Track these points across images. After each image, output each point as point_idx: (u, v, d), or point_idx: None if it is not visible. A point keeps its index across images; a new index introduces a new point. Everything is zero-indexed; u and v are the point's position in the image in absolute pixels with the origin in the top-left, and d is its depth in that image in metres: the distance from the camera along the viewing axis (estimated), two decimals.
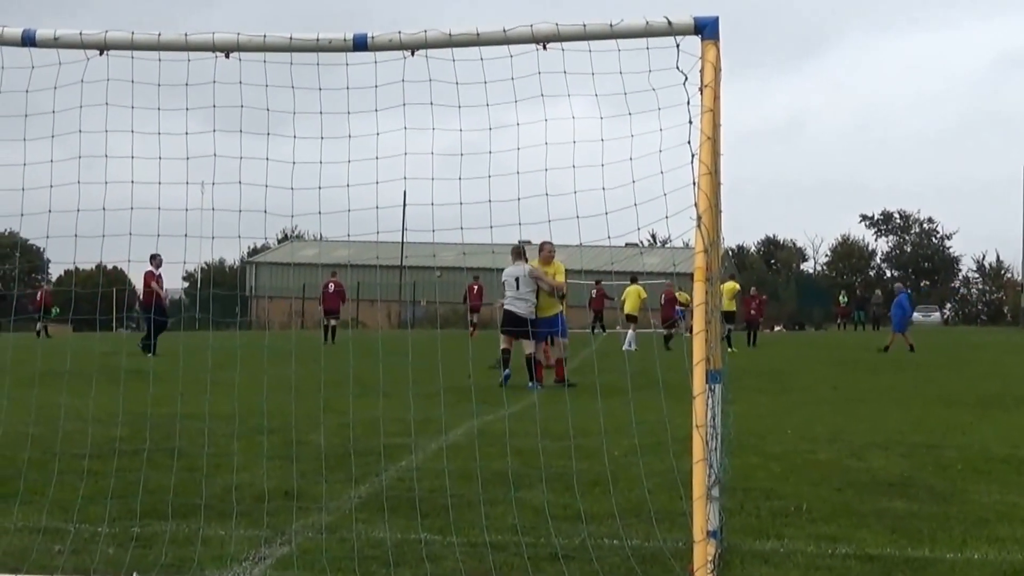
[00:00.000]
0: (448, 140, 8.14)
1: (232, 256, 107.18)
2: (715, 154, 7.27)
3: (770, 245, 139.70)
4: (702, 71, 7.30)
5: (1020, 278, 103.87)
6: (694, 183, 7.15)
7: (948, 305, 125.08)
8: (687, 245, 8.16)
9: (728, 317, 42.55)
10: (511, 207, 7.95)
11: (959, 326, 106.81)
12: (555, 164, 7.87)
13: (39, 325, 51.61)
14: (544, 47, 7.59)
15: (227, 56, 7.91)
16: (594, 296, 54.73)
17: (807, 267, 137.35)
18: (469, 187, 8.07)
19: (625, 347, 39.69)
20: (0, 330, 48.02)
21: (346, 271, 70.61)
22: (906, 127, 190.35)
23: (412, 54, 7.80)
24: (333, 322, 46.33)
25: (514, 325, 23.36)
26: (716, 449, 7.73)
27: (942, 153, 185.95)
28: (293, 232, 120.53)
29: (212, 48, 7.90)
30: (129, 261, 8.37)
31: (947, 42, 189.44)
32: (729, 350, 39.99)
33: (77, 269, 11.39)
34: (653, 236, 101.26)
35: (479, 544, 8.21)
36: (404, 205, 8.55)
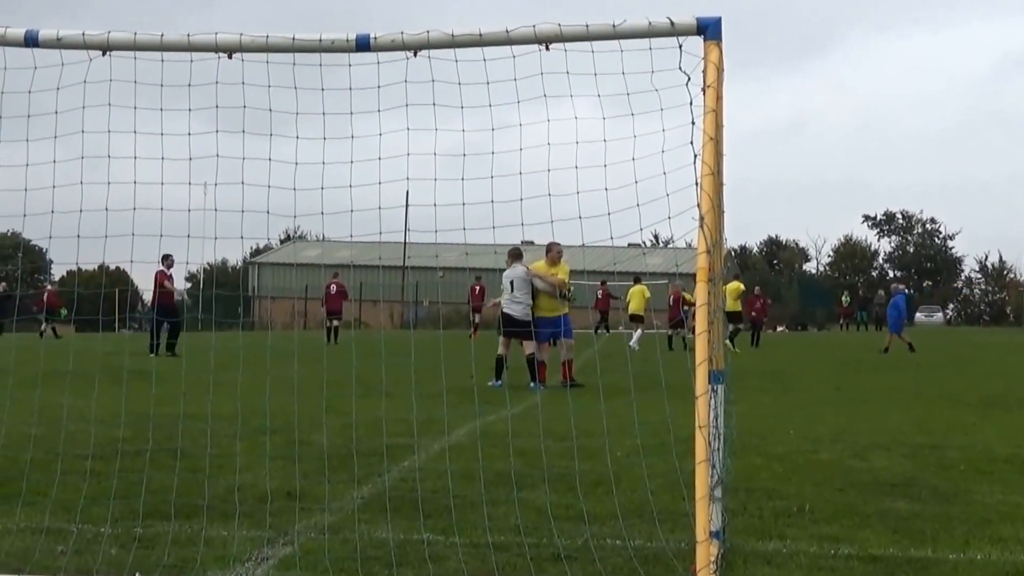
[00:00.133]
0: (450, 141, 8.14)
1: (235, 256, 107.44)
2: (718, 154, 7.27)
3: (773, 245, 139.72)
4: (705, 71, 7.31)
5: (1023, 278, 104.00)
6: (697, 183, 7.16)
7: (951, 305, 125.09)
8: (690, 246, 8.18)
9: (733, 317, 42.58)
10: (513, 208, 7.95)
11: (962, 326, 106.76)
12: (558, 164, 7.87)
13: (44, 326, 51.57)
14: (547, 47, 7.60)
15: (230, 57, 7.91)
16: (599, 297, 54.74)
17: (810, 267, 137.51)
18: (472, 188, 8.08)
19: (632, 343, 39.83)
20: (4, 330, 48.16)
21: (348, 271, 70.72)
22: (908, 127, 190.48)
23: (415, 54, 7.80)
24: (336, 323, 46.42)
25: (511, 327, 23.38)
26: (719, 449, 7.73)
27: (945, 153, 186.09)
28: (296, 233, 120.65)
29: (215, 49, 7.90)
30: (132, 262, 8.37)
31: (949, 42, 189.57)
32: (733, 351, 40.11)
33: (80, 270, 11.41)
34: (656, 236, 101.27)
35: (482, 545, 8.21)
36: (407, 206, 8.62)
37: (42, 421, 13.67)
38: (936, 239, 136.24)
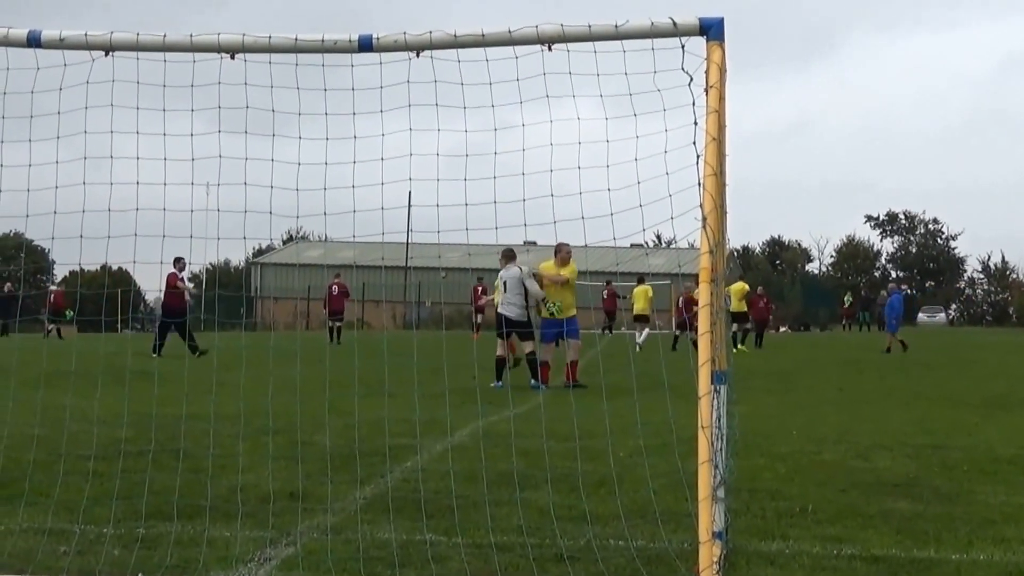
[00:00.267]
0: (453, 141, 8.14)
1: (237, 257, 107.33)
2: (720, 155, 7.27)
3: (775, 246, 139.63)
4: (707, 72, 7.31)
5: None
6: (699, 184, 7.16)
7: (953, 306, 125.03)
8: (692, 246, 8.17)
9: (738, 318, 42.63)
10: (516, 208, 7.96)
11: (964, 327, 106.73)
12: (560, 165, 7.88)
13: (50, 327, 51.58)
14: (549, 48, 7.60)
15: (232, 57, 7.92)
16: (605, 297, 54.76)
17: (812, 268, 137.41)
18: (474, 188, 8.08)
19: (639, 340, 40.01)
20: (8, 331, 48.20)
21: (351, 272, 70.73)
22: (911, 127, 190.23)
23: (417, 55, 7.81)
24: (338, 323, 46.49)
25: (509, 328, 23.38)
26: (721, 450, 7.73)
27: (948, 153, 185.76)
28: (298, 233, 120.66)
29: (217, 49, 7.91)
30: (134, 262, 8.38)
31: (952, 42, 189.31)
32: (736, 349, 40.13)
33: (82, 270, 11.37)
34: (658, 237, 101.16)
35: (484, 545, 8.20)
36: (409, 206, 8.58)
37: (45, 422, 13.68)
38: (939, 239, 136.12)
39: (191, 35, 7.91)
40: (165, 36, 7.91)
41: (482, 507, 9.10)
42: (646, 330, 42.91)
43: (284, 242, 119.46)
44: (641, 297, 44.86)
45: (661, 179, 7.45)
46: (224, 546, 8.20)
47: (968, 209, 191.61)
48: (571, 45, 7.62)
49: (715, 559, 6.67)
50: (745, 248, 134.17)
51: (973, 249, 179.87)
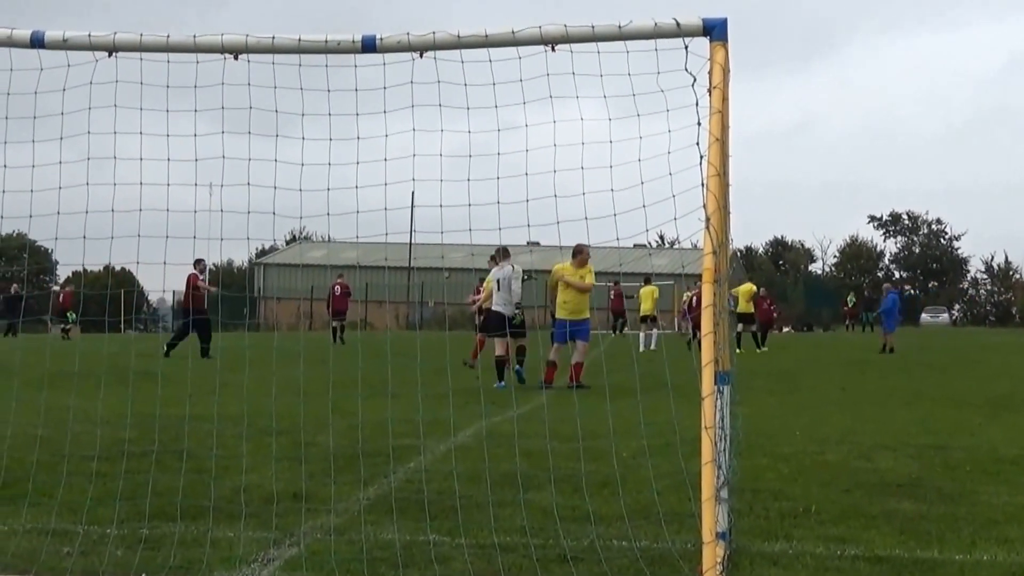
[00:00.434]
0: (457, 141, 8.14)
1: (240, 257, 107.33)
2: (723, 155, 7.27)
3: (778, 246, 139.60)
4: (710, 72, 7.31)
5: None
6: (703, 184, 7.16)
7: (956, 306, 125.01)
8: (695, 246, 8.17)
9: (745, 318, 42.67)
10: (519, 208, 7.95)
11: (967, 327, 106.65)
12: (564, 165, 7.87)
13: (65, 326, 51.63)
14: (553, 48, 7.59)
15: (236, 58, 7.92)
16: (612, 297, 54.77)
17: (815, 268, 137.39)
18: (477, 188, 8.08)
19: (652, 346, 40.12)
20: (15, 332, 48.21)
21: (354, 272, 70.74)
22: (914, 127, 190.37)
23: (421, 55, 7.81)
24: (341, 323, 46.54)
25: (499, 325, 23.46)
26: (725, 450, 7.73)
27: (951, 154, 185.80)
28: (301, 233, 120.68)
29: (221, 50, 7.91)
30: (138, 263, 8.38)
31: (956, 42, 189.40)
32: (739, 351, 40.18)
33: (85, 271, 11.38)
34: (661, 237, 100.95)
35: (488, 546, 8.21)
36: (412, 206, 8.57)
37: (48, 422, 13.67)
38: (942, 240, 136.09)
39: (194, 36, 7.91)
40: (168, 37, 7.91)
41: (485, 508, 9.10)
42: (655, 331, 42.96)
43: (287, 243, 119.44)
44: (648, 298, 45.00)
45: (664, 180, 7.45)
46: (228, 547, 8.20)
47: (971, 209, 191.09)
48: (574, 46, 7.62)
49: (719, 559, 6.67)
50: (748, 248, 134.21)
51: (976, 249, 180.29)
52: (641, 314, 45.36)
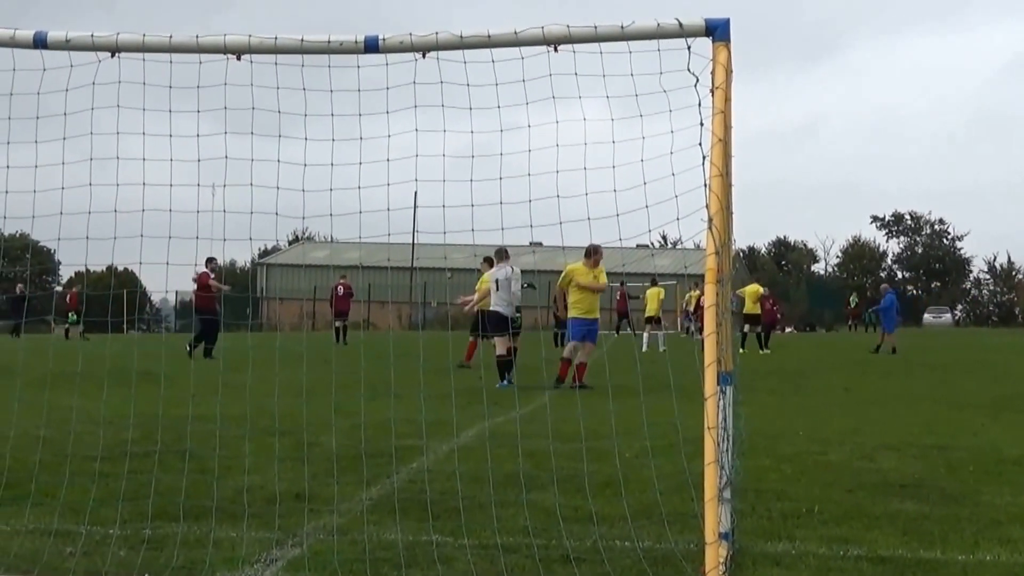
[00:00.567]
0: (459, 142, 8.14)
1: (243, 258, 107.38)
2: (726, 156, 7.27)
3: (781, 246, 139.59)
4: (713, 73, 7.30)
5: None
6: (705, 185, 7.16)
7: (959, 306, 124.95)
8: (698, 247, 8.16)
9: (752, 319, 42.70)
10: (522, 209, 7.95)
11: (970, 327, 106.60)
12: (566, 166, 7.87)
13: (77, 327, 51.65)
14: (555, 49, 7.59)
15: (238, 58, 7.92)
16: (618, 298, 54.84)
17: (818, 268, 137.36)
18: (480, 189, 8.08)
19: (660, 347, 40.16)
20: (17, 332, 48.18)
21: (357, 273, 70.77)
22: (917, 128, 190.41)
23: (423, 56, 7.80)
24: (344, 324, 46.59)
25: (499, 325, 23.57)
26: (727, 451, 7.73)
27: (954, 154, 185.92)
28: (304, 234, 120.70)
29: (223, 50, 7.90)
30: (140, 263, 8.38)
31: (959, 43, 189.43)
32: (765, 351, 40.28)
33: (88, 271, 11.38)
34: (664, 238, 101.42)
35: (491, 546, 8.21)
36: (415, 207, 8.56)
37: (51, 423, 13.67)
38: (945, 240, 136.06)
39: (197, 36, 7.91)
40: (171, 37, 7.91)
41: (488, 508, 9.10)
42: (660, 333, 42.99)
43: (290, 243, 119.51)
44: (653, 299, 45.19)
45: (667, 180, 7.45)
46: (230, 547, 8.20)
47: (974, 210, 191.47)
48: (577, 46, 7.62)
49: (721, 560, 6.66)
50: (751, 249, 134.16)
51: (979, 250, 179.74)
52: (646, 315, 45.54)
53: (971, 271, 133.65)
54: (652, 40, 7.46)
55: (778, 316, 52.69)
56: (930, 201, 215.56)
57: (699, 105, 7.38)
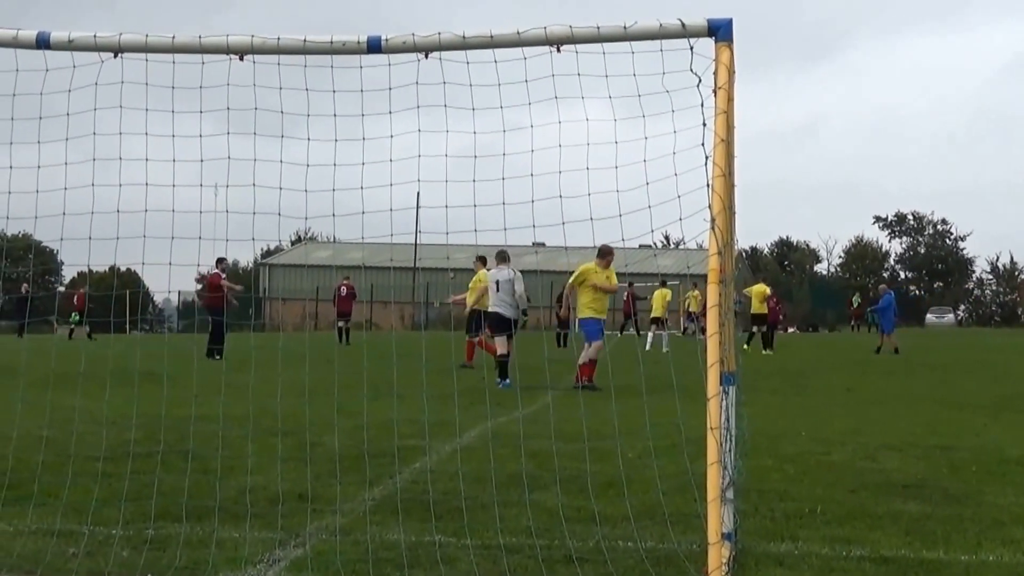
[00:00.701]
0: (462, 142, 8.14)
1: (246, 258, 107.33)
2: (729, 156, 7.27)
3: (784, 247, 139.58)
4: (716, 73, 7.30)
5: None
6: (708, 185, 7.16)
7: (962, 307, 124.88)
8: (701, 247, 8.17)
9: (757, 319, 42.72)
10: (525, 209, 7.96)
11: (973, 327, 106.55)
12: (569, 166, 7.87)
13: (85, 328, 51.63)
14: (558, 49, 7.59)
15: (241, 59, 7.92)
16: (625, 299, 54.91)
17: (821, 269, 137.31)
18: (483, 189, 8.08)
19: (664, 348, 40.20)
20: (21, 332, 48.18)
21: (360, 273, 70.82)
22: (919, 128, 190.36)
23: (426, 56, 7.80)
24: (346, 324, 46.61)
25: (500, 325, 23.63)
26: (730, 451, 7.72)
27: (956, 154, 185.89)
28: (307, 234, 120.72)
29: (226, 51, 7.91)
30: (143, 264, 8.38)
31: (960, 43, 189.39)
32: (764, 351, 40.26)
33: (91, 271, 11.38)
34: (667, 238, 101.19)
35: (493, 546, 8.20)
36: (418, 207, 8.56)
37: (53, 423, 13.67)
38: (947, 240, 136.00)
39: (200, 37, 7.91)
40: (174, 38, 7.91)
41: (491, 508, 9.10)
42: (664, 334, 43.03)
43: (292, 243, 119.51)
44: (660, 300, 45.39)
45: (670, 180, 7.45)
46: (233, 547, 8.20)
47: (977, 210, 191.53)
48: (579, 46, 7.62)
49: (724, 560, 6.66)
50: (754, 249, 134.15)
51: (982, 250, 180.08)
52: (652, 315, 45.75)
53: (974, 271, 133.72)
54: (655, 40, 7.47)
55: (780, 317, 52.63)
56: (931, 201, 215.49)
57: (702, 105, 7.39)
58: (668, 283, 48.98)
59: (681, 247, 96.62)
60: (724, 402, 7.17)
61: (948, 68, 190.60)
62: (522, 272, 25.08)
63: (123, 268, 11.71)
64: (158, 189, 8.35)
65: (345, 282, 48.54)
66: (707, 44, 7.38)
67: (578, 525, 8.87)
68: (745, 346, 41.30)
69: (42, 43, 7.97)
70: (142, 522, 8.82)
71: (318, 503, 9.65)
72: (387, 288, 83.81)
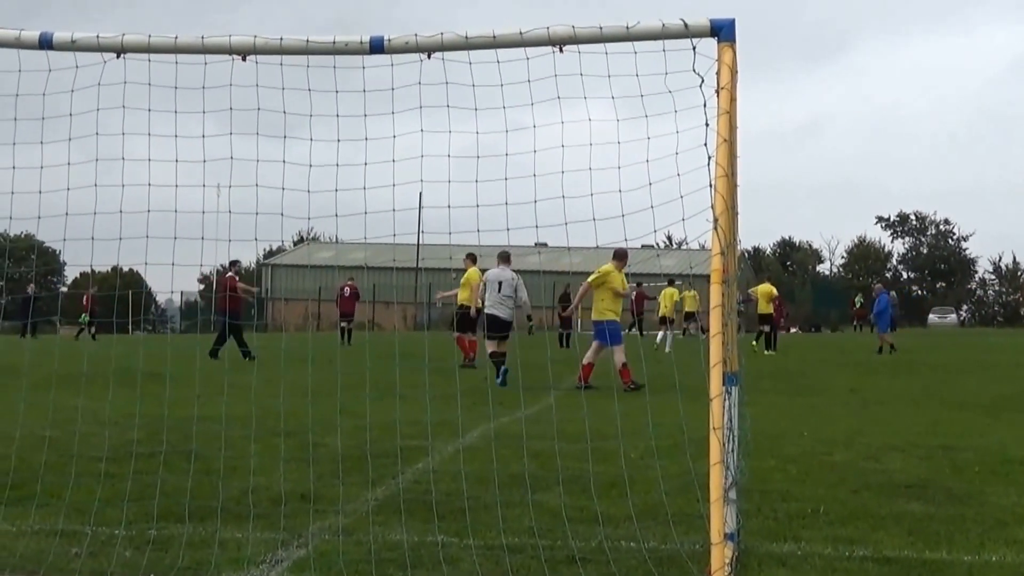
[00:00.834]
0: (464, 142, 8.14)
1: (248, 258, 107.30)
2: (731, 156, 7.26)
3: (786, 247, 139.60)
4: (718, 73, 7.30)
5: None
6: (711, 185, 7.16)
7: (964, 307, 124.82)
8: (703, 247, 8.16)
9: (765, 319, 42.71)
10: (527, 209, 7.95)
11: (975, 328, 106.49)
12: (572, 166, 7.87)
13: (91, 329, 51.63)
14: (560, 49, 7.59)
15: (244, 59, 7.92)
16: (633, 299, 54.93)
17: (823, 269, 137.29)
18: (485, 189, 8.08)
19: (667, 349, 40.22)
20: (36, 332, 48.21)
21: (362, 273, 70.84)
22: (922, 128, 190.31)
23: (428, 56, 7.80)
24: (349, 325, 46.62)
25: (497, 328, 23.68)
26: (733, 451, 7.72)
27: (958, 154, 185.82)
28: (309, 234, 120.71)
29: (229, 51, 7.91)
30: (146, 264, 8.38)
31: (963, 43, 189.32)
32: (771, 352, 40.20)
33: (93, 272, 11.41)
34: (669, 238, 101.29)
35: (496, 547, 8.20)
36: (420, 207, 8.58)
37: (56, 424, 13.69)
38: (950, 240, 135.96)
39: (202, 37, 7.91)
40: (176, 38, 7.92)
41: (494, 509, 9.10)
42: (668, 334, 43.04)
43: (295, 243, 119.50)
44: (668, 299, 45.51)
45: (672, 180, 7.45)
46: (236, 548, 8.21)
47: (979, 210, 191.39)
48: (582, 47, 7.62)
49: (727, 561, 6.66)
50: (756, 249, 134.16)
51: (984, 250, 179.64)
52: (659, 314, 45.90)
53: (976, 271, 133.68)
54: (657, 40, 7.47)
55: (782, 317, 52.58)
56: (933, 201, 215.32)
57: (704, 106, 7.39)
58: (675, 284, 49.04)
59: (684, 247, 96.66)
60: (727, 402, 7.17)
61: (949, 68, 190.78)
62: (525, 272, 25.14)
63: (126, 268, 11.73)
64: (161, 189, 8.36)
65: (349, 283, 48.58)
66: (710, 44, 7.39)
67: (581, 525, 8.87)
68: (754, 343, 41.31)
69: (45, 44, 7.98)
70: (145, 522, 8.82)
71: (321, 503, 9.65)
72: (389, 288, 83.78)
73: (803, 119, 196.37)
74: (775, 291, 44.62)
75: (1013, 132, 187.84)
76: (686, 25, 7.36)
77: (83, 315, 53.45)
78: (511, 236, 8.23)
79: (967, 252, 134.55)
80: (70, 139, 8.33)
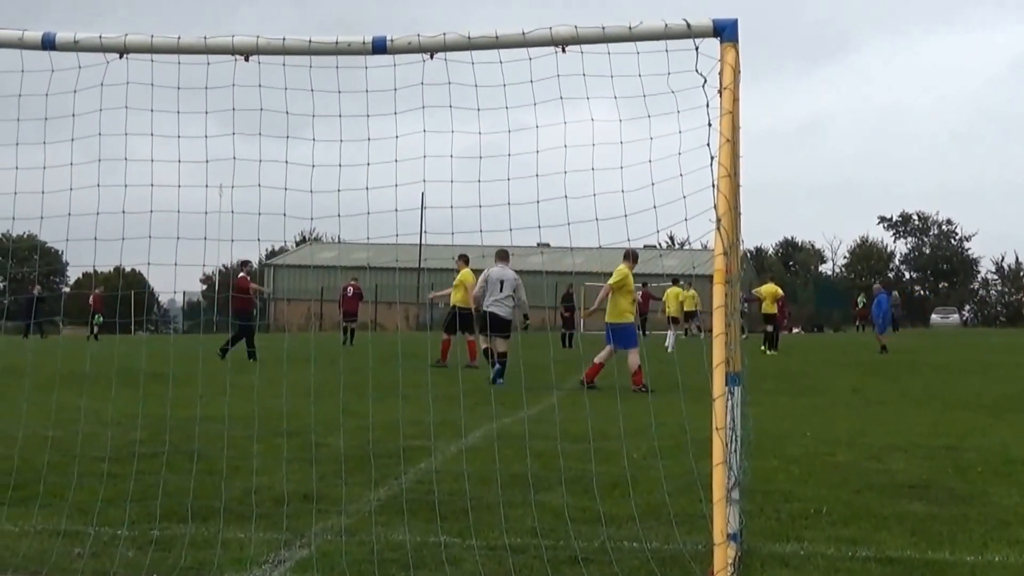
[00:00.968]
0: (467, 142, 8.14)
1: (251, 258, 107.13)
2: (734, 156, 7.26)
3: (789, 247, 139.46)
4: (721, 73, 7.30)
5: None
6: (713, 185, 7.16)
7: (967, 307, 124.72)
8: (706, 247, 8.18)
9: (770, 319, 42.71)
10: (530, 209, 7.96)
11: (978, 328, 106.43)
12: (574, 166, 7.87)
13: (95, 329, 51.64)
14: (563, 49, 7.59)
15: (246, 59, 7.92)
16: (639, 299, 54.96)
17: (825, 269, 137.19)
18: (488, 189, 8.08)
19: (669, 349, 40.26)
20: (27, 332, 48.20)
21: (365, 273, 70.81)
22: (924, 128, 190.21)
23: (431, 57, 7.80)
24: (352, 325, 46.62)
25: (497, 327, 23.70)
26: (735, 451, 7.72)
27: (960, 154, 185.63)
28: (312, 235, 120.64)
29: (231, 51, 7.91)
30: (148, 264, 8.38)
31: (965, 43, 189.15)
32: (772, 352, 40.18)
33: (96, 272, 11.41)
34: (672, 238, 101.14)
35: (498, 547, 8.20)
36: (423, 207, 8.58)
37: (58, 424, 13.69)
38: (952, 240, 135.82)
39: (205, 37, 7.91)
40: (179, 38, 7.92)
41: (496, 509, 9.10)
42: (671, 334, 43.08)
43: (298, 244, 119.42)
44: (673, 299, 45.57)
45: (675, 180, 7.45)
46: (238, 548, 8.21)
47: (982, 210, 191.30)
48: (585, 47, 7.62)
49: (730, 561, 6.66)
50: (759, 249, 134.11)
51: (987, 250, 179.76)
52: (667, 314, 46.05)
53: (979, 271, 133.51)
54: (660, 41, 7.47)
55: (785, 318, 52.60)
56: (935, 201, 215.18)
57: (707, 106, 7.39)
58: (679, 282, 49.18)
59: (686, 248, 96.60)
60: (730, 402, 7.18)
61: (950, 68, 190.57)
62: (527, 272, 25.18)
63: (128, 268, 11.72)
64: (163, 190, 8.37)
65: (353, 282, 48.57)
66: (712, 44, 7.38)
67: (583, 525, 8.87)
68: (763, 347, 41.24)
69: (47, 44, 7.98)
70: (147, 522, 8.83)
71: (323, 504, 9.66)
72: (392, 288, 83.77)
73: (804, 119, 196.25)
74: (780, 291, 44.60)
75: (1014, 132, 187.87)
76: (689, 25, 7.36)
77: (97, 316, 53.43)
78: (513, 236, 8.24)
79: (970, 252, 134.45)
80: (73, 139, 8.34)
